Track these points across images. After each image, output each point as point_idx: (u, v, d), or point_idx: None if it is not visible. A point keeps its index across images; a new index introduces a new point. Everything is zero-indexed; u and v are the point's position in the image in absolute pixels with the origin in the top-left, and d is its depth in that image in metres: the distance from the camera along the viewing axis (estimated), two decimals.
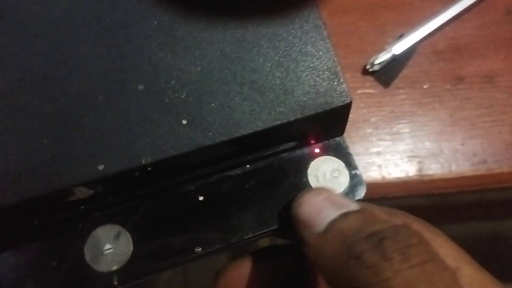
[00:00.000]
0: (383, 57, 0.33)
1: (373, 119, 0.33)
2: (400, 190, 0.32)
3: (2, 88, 0.20)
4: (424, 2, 0.37)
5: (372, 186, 0.32)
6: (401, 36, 0.35)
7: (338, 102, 0.22)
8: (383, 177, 0.32)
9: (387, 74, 0.34)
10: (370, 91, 0.34)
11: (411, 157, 0.33)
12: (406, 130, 0.33)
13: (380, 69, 0.34)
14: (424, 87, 0.34)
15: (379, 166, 0.32)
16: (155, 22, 0.22)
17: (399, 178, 0.32)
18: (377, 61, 0.33)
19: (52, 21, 0.21)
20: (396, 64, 0.34)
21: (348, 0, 0.36)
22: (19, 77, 0.21)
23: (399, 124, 0.33)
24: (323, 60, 0.22)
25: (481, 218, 0.92)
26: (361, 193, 0.24)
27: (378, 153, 0.32)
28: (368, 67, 0.34)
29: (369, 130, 0.33)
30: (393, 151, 0.33)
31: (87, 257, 0.21)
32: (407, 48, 0.34)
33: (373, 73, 0.34)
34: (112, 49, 0.21)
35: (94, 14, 0.22)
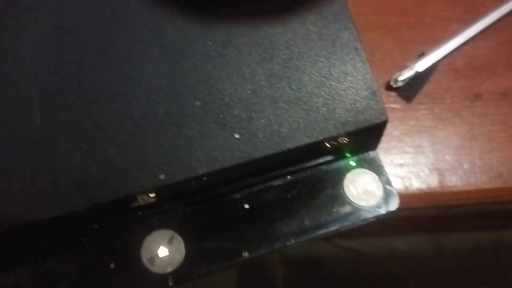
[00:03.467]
0: (407, 74, 0.35)
1: (396, 133, 0.35)
2: (422, 201, 0.34)
3: (70, 99, 0.22)
4: (442, 22, 0.39)
5: None
6: (422, 54, 0.37)
7: (376, 119, 0.24)
8: (406, 188, 0.34)
9: (409, 90, 0.36)
10: (393, 106, 0.36)
11: (432, 170, 0.34)
12: (428, 143, 0.35)
13: (403, 85, 0.36)
14: (445, 103, 0.36)
15: (402, 178, 0.34)
16: (210, 43, 0.24)
17: (421, 189, 0.34)
18: (400, 78, 0.35)
19: (117, 40, 0.23)
20: (418, 81, 0.36)
21: (373, 18, 0.38)
22: (87, 90, 0.22)
23: (420, 138, 0.35)
24: (362, 80, 0.24)
25: (484, 227, 0.94)
26: (394, 205, 0.25)
27: (401, 165, 0.34)
28: (391, 83, 0.36)
29: (393, 143, 0.35)
30: (415, 163, 0.34)
31: (144, 259, 0.23)
32: (429, 66, 0.36)
33: (396, 89, 0.36)
34: (171, 67, 0.23)
35: (156, 35, 0.24)
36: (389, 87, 0.36)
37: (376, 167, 0.26)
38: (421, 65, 0.36)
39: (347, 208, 0.25)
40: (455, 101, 0.37)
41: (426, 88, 0.37)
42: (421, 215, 0.91)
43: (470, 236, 0.95)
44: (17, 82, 0.22)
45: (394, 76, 0.36)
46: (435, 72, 0.37)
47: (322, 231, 0.24)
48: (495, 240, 0.94)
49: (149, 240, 0.24)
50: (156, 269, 0.23)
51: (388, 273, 0.93)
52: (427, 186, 0.34)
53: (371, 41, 0.38)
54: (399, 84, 0.35)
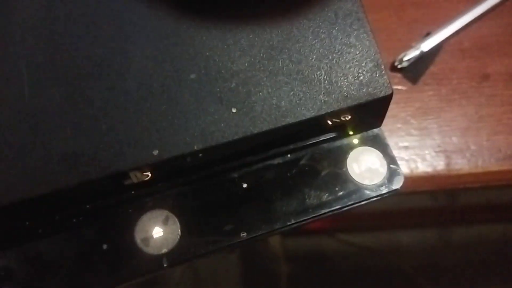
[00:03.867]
0: (412, 54, 0.34)
1: (401, 115, 0.34)
2: (428, 184, 0.33)
3: (61, 74, 0.21)
4: (449, 1, 0.38)
5: None
6: (428, 34, 0.36)
7: (380, 93, 0.23)
8: (411, 171, 0.33)
9: (414, 71, 0.35)
10: (399, 87, 0.35)
11: (439, 152, 0.33)
12: (434, 125, 0.34)
13: (408, 66, 0.35)
14: (451, 84, 0.35)
15: (407, 161, 0.33)
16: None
17: (427, 172, 0.33)
18: (406, 58, 0.34)
19: (109, 13, 0.22)
20: (423, 61, 0.35)
21: None
22: (78, 64, 0.21)
23: (427, 119, 0.34)
24: (366, 52, 0.23)
25: (490, 220, 0.93)
26: (399, 182, 0.24)
27: (407, 147, 0.33)
28: (396, 63, 0.35)
29: (398, 125, 0.34)
30: (421, 145, 0.33)
31: (138, 240, 0.22)
32: (435, 46, 0.35)
33: (401, 70, 0.35)
34: (166, 39, 0.22)
35: (150, 6, 0.23)
36: (394, 68, 0.35)
37: (380, 145, 0.25)
38: (427, 45, 0.35)
39: (350, 187, 0.24)
40: (462, 82, 0.35)
41: (432, 69, 0.36)
42: (427, 208, 0.90)
43: (476, 230, 0.93)
44: (6, 56, 0.22)
45: (399, 56, 0.35)
46: (441, 53, 0.36)
47: (324, 210, 0.23)
48: (502, 233, 0.93)
49: (143, 220, 0.23)
50: (150, 250, 0.22)
51: (393, 268, 0.92)
52: (433, 169, 0.33)
53: (376, 22, 0.37)
54: (404, 64, 0.34)
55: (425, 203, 0.92)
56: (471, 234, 0.93)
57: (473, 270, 0.91)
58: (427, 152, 0.33)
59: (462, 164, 0.33)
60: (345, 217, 0.91)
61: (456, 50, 0.36)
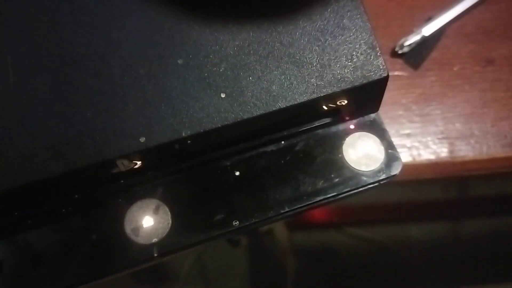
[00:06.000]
0: (413, 39, 0.33)
1: (403, 101, 0.33)
2: (431, 172, 0.32)
3: (45, 62, 0.21)
4: None
5: (403, 168, 0.31)
6: (429, 19, 0.35)
7: (375, 75, 0.22)
8: (414, 159, 0.32)
9: (416, 57, 0.34)
10: (400, 73, 0.34)
11: (442, 139, 0.32)
12: (437, 112, 0.33)
13: (409, 51, 0.34)
14: (454, 69, 0.34)
15: (410, 148, 0.32)
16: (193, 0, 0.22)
17: (429, 160, 0.32)
18: (406, 43, 0.33)
19: (93, 2, 0.22)
20: (425, 47, 0.34)
21: None
22: (62, 52, 0.21)
23: (429, 106, 0.33)
24: (360, 34, 0.22)
25: (501, 212, 0.91)
26: (397, 168, 0.24)
27: (409, 135, 0.32)
28: (397, 49, 0.34)
29: (400, 112, 0.33)
30: (423, 132, 0.32)
31: (127, 230, 0.22)
32: (436, 30, 0.34)
33: (402, 56, 0.34)
34: (152, 24, 0.22)
35: None
36: (395, 54, 0.34)
37: (377, 130, 0.24)
38: (428, 30, 0.34)
39: (346, 173, 0.23)
40: (465, 67, 0.34)
41: (434, 54, 0.35)
42: (436, 200, 0.89)
43: (486, 222, 0.92)
44: None
45: (400, 42, 0.34)
46: (443, 38, 0.35)
47: (319, 198, 0.23)
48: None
49: (133, 210, 0.22)
50: (140, 239, 0.21)
51: (402, 262, 0.91)
52: (437, 156, 0.32)
53: (376, 7, 0.36)
54: (405, 49, 0.33)
55: (434, 195, 0.91)
56: (481, 227, 0.92)
57: (483, 263, 0.90)
58: (430, 139, 0.32)
59: (466, 151, 0.32)
60: (353, 210, 0.91)
61: (458, 34, 0.35)
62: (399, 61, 0.34)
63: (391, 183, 0.25)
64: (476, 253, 0.90)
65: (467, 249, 0.91)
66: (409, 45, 0.33)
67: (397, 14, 0.35)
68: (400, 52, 0.34)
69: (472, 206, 0.92)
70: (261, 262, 0.92)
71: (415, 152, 0.32)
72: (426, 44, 0.34)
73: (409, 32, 0.34)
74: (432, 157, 0.32)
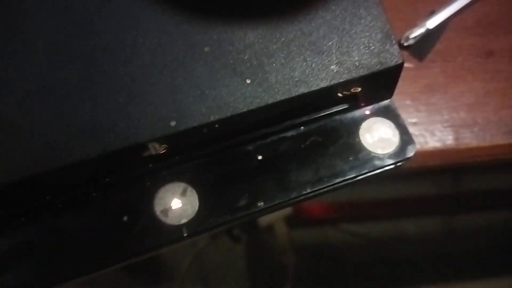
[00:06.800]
0: (418, 31, 0.34)
1: (409, 91, 0.34)
2: (437, 159, 0.33)
3: (77, 49, 0.22)
4: None
5: None
6: (432, 12, 0.36)
7: (391, 62, 0.23)
8: (421, 146, 0.33)
9: (421, 49, 0.35)
10: (406, 64, 0.35)
11: (447, 127, 0.34)
12: (441, 101, 0.34)
13: (415, 43, 0.35)
14: (457, 60, 0.36)
15: (417, 136, 0.33)
16: None
17: (436, 147, 0.33)
18: (412, 35, 0.34)
19: None
20: (429, 39, 0.36)
21: None
22: (94, 39, 0.22)
23: (434, 95, 0.34)
24: (376, 23, 0.24)
25: (495, 206, 0.93)
26: (412, 150, 0.25)
27: (415, 123, 0.34)
28: (402, 41, 0.35)
29: (407, 102, 0.34)
30: (430, 121, 0.34)
31: (157, 212, 0.23)
32: (440, 23, 0.35)
33: (407, 48, 0.35)
34: (178, 16, 0.23)
35: None
36: (400, 46, 0.35)
37: (392, 115, 0.25)
38: (432, 22, 0.35)
39: (363, 156, 0.24)
40: (467, 58, 0.36)
41: (438, 46, 0.36)
42: (431, 196, 0.90)
43: (481, 217, 0.94)
44: (23, 33, 0.22)
45: (405, 34, 0.35)
46: (446, 31, 0.36)
47: (338, 179, 0.24)
48: (507, 220, 0.93)
49: (161, 192, 0.23)
50: (170, 220, 0.22)
51: (398, 258, 0.92)
52: (442, 144, 0.33)
53: (382, 1, 0.37)
54: (411, 42, 0.35)
55: (429, 190, 0.93)
56: (476, 221, 0.93)
57: (478, 257, 0.92)
58: (435, 127, 0.34)
59: (470, 138, 0.34)
60: (350, 206, 0.92)
61: (460, 27, 0.37)
62: (405, 53, 0.35)
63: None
64: (470, 247, 0.92)
65: (461, 243, 0.93)
66: (414, 37, 0.35)
67: (402, 8, 0.37)
68: (405, 44, 0.35)
69: (465, 201, 0.94)
70: (260, 259, 0.93)
71: (422, 140, 0.33)
72: (430, 36, 0.36)
73: (414, 25, 0.36)
74: (438, 144, 0.33)
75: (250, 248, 0.91)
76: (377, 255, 0.93)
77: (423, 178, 0.90)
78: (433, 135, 0.33)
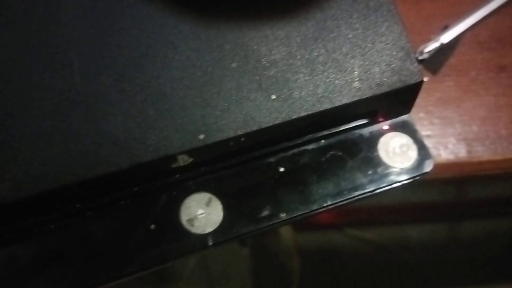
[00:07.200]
0: (432, 46, 0.35)
1: (423, 104, 0.35)
2: (450, 171, 0.34)
3: (110, 63, 0.23)
4: None
5: None
6: (446, 27, 0.37)
7: (411, 80, 0.24)
8: (435, 159, 0.34)
9: (435, 63, 0.36)
10: None
11: (460, 140, 0.34)
12: (454, 115, 0.35)
13: (429, 58, 0.36)
14: (470, 75, 0.36)
15: (431, 149, 0.34)
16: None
17: (449, 159, 0.34)
18: (426, 50, 0.35)
19: (155, 5, 0.24)
20: (442, 54, 0.36)
21: None
22: (126, 54, 0.23)
23: (447, 109, 0.35)
24: (396, 41, 0.24)
25: (499, 214, 0.94)
26: (429, 166, 0.26)
27: (429, 136, 0.34)
28: (417, 55, 0.36)
29: (421, 115, 0.35)
30: (443, 134, 0.34)
31: (183, 221, 0.23)
32: (453, 38, 0.36)
33: (421, 62, 0.36)
34: (208, 31, 0.23)
35: None
36: None
37: (410, 130, 0.26)
38: (446, 37, 0.36)
39: (382, 170, 0.25)
40: (480, 73, 0.37)
41: (451, 60, 0.37)
42: (436, 202, 0.91)
43: (485, 224, 0.94)
44: (56, 46, 0.23)
45: (420, 48, 0.36)
46: (459, 45, 0.37)
47: (357, 192, 0.24)
48: (511, 227, 0.94)
49: (187, 202, 0.24)
50: (195, 230, 0.23)
51: (402, 263, 0.93)
52: (455, 156, 0.34)
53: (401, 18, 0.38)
54: (425, 56, 0.35)
55: (433, 197, 0.93)
56: (480, 229, 0.94)
57: (482, 265, 0.92)
58: (449, 140, 0.34)
59: (482, 152, 0.34)
60: (355, 212, 0.92)
61: (473, 42, 0.37)
62: (419, 67, 0.36)
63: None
64: (474, 255, 0.93)
65: (466, 251, 0.93)
66: (429, 51, 0.35)
67: (415, 23, 0.38)
68: (420, 58, 0.36)
69: (470, 208, 0.95)
70: (265, 263, 0.94)
71: (435, 153, 0.34)
72: (444, 51, 0.36)
73: (427, 40, 0.36)
74: (451, 157, 0.34)
75: (255, 251, 0.91)
76: (382, 260, 0.93)
77: (428, 185, 0.91)
78: (446, 148, 0.34)
